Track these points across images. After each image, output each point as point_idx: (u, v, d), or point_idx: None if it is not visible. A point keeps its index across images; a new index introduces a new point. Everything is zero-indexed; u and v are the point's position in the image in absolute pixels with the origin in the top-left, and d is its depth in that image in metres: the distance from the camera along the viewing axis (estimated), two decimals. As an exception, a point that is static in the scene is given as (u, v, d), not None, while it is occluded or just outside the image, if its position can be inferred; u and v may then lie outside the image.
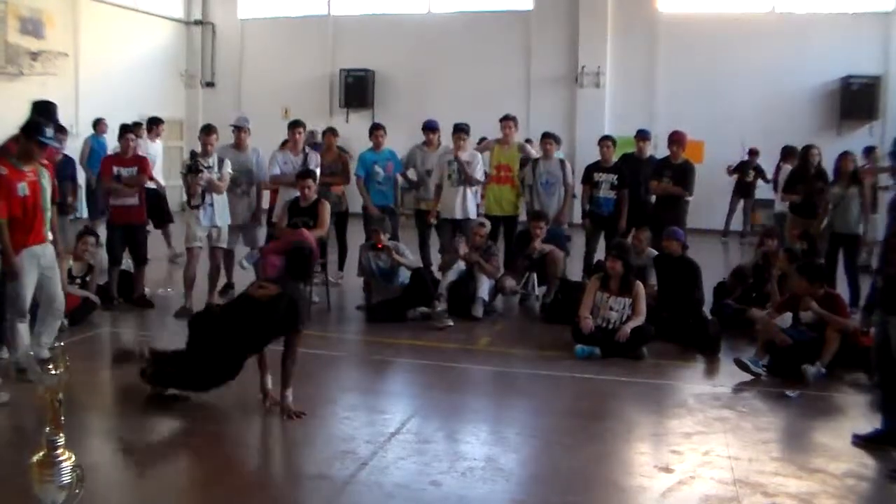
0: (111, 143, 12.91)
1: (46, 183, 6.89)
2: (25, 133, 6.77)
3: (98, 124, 14.57)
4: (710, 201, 15.72)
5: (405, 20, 20.80)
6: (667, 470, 5.34)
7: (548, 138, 11.13)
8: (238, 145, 10.44)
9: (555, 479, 5.30)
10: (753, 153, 16.98)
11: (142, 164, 10.28)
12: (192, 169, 9.52)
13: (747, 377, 7.43)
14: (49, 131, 6.83)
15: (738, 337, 8.61)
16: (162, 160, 13.75)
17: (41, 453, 1.83)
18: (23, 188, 6.64)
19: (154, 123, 13.97)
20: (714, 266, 10.72)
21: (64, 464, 1.82)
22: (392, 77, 20.73)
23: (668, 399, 7.12)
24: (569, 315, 8.58)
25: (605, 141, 11.16)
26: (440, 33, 20.24)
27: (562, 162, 11.18)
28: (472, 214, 10.74)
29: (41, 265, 6.89)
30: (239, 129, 10.48)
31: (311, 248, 7.14)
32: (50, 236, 7.03)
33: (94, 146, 13.86)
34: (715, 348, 8.26)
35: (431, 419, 6.54)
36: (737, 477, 5.23)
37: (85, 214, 14.53)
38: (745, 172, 17.09)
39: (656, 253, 9.51)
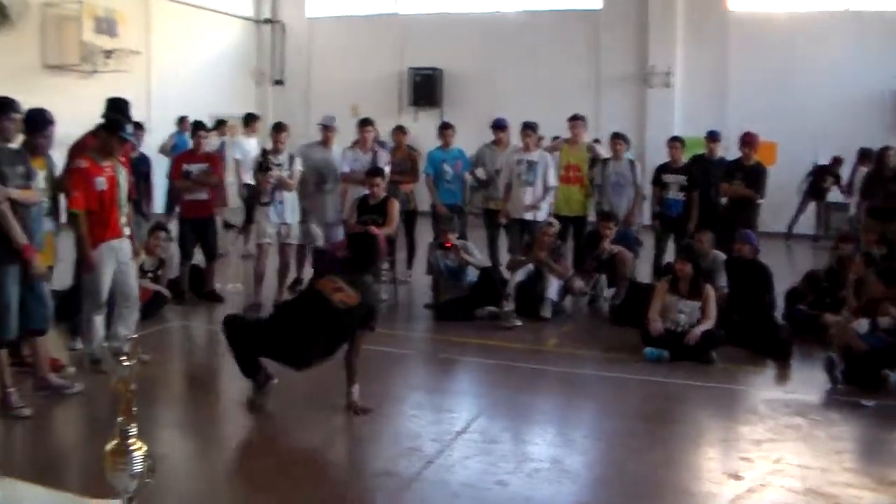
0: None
1: (123, 180, 7.01)
2: (107, 128, 6.92)
3: (182, 122, 14.83)
4: (781, 204, 15.48)
5: (473, 19, 20.78)
6: (736, 477, 5.26)
7: (617, 139, 11.06)
8: (325, 143, 10.54)
9: (621, 483, 5.28)
10: (837, 161, 16.57)
11: (212, 161, 10.44)
12: (262, 167, 9.64)
13: (820, 384, 7.26)
14: (129, 128, 6.96)
15: (810, 343, 8.42)
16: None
17: (114, 442, 1.86)
18: (101, 182, 6.77)
19: (251, 120, 14.15)
20: (783, 270, 10.55)
21: (136, 453, 1.85)
22: (460, 76, 20.72)
23: (737, 404, 7.03)
24: (637, 317, 8.50)
25: (674, 142, 11.06)
26: (509, 32, 20.16)
27: (632, 163, 11.10)
28: (542, 215, 10.68)
29: (118, 260, 7.01)
30: (326, 127, 10.58)
31: (373, 235, 7.12)
32: (127, 231, 7.16)
33: (177, 143, 14.09)
34: (786, 354, 8.11)
35: (498, 419, 6.54)
36: (808, 487, 5.12)
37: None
38: (822, 178, 16.78)
39: (721, 255, 9.39)
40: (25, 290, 6.13)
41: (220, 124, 17.11)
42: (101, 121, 7.69)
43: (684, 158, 11.07)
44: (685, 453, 5.88)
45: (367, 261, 6.74)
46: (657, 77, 18.96)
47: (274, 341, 6.18)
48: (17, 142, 6.32)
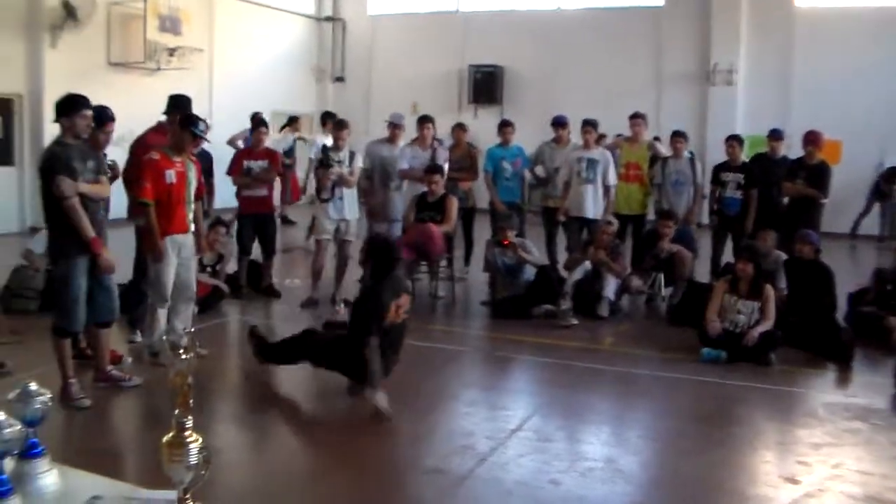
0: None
1: (193, 176, 7.13)
2: (181, 124, 7.04)
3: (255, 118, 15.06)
4: (844, 204, 15.23)
5: (534, 16, 20.73)
6: (793, 481, 5.18)
7: (679, 137, 10.95)
8: (392, 140, 10.60)
9: (675, 484, 5.24)
10: None
11: (272, 158, 10.54)
12: (322, 163, 9.71)
13: (883, 388, 7.13)
14: (202, 125, 7.08)
15: (873, 346, 8.29)
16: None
17: (171, 434, 1.89)
18: (170, 175, 6.89)
19: (328, 118, 14.29)
20: (845, 271, 10.36)
21: (192, 445, 1.88)
22: (521, 73, 20.70)
23: (796, 407, 6.93)
24: (695, 317, 8.42)
25: (731, 140, 10.94)
26: (569, 29, 20.10)
27: (692, 160, 10.98)
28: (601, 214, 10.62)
29: (180, 255, 7.12)
30: (394, 125, 10.62)
31: (391, 241, 7.06)
32: (192, 227, 7.28)
33: (250, 138, 14.27)
34: (848, 357, 7.96)
35: (552, 417, 6.53)
36: (868, 493, 5.01)
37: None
38: (892, 180, 16.50)
39: (783, 255, 9.27)
40: (94, 283, 6.28)
41: (293, 121, 17.28)
42: (162, 118, 7.84)
43: (745, 157, 10.92)
44: (741, 456, 5.81)
45: (389, 267, 6.53)
46: (719, 75, 18.75)
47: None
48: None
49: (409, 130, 11.24)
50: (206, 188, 9.76)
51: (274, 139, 14.62)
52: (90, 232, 6.09)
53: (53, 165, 6.01)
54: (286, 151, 17.23)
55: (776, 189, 10.64)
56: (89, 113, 6.21)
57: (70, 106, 6.13)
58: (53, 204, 6.05)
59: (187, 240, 7.21)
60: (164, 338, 6.95)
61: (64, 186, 5.94)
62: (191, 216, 7.20)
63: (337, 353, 6.48)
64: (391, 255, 6.58)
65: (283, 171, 16.50)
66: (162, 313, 7.15)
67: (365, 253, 6.87)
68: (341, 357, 6.41)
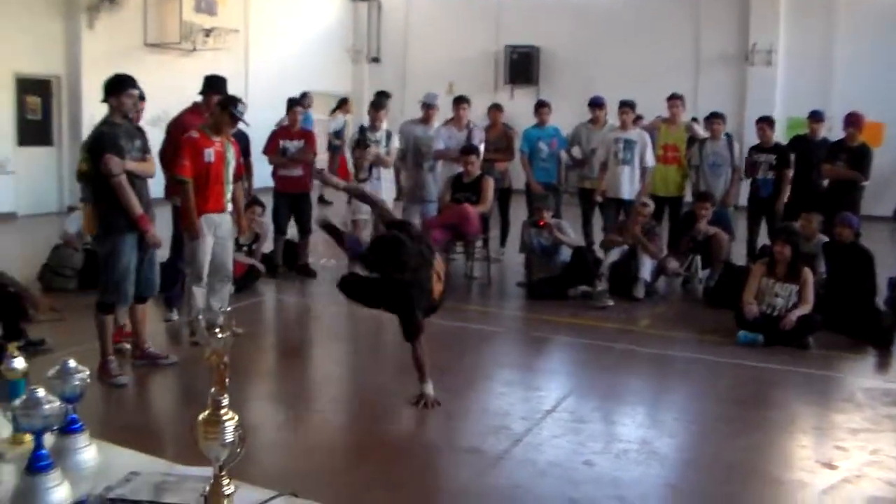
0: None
1: (231, 157, 7.18)
2: (221, 105, 7.11)
3: (304, 98, 15.09)
4: (886, 187, 15.05)
5: (572, -4, 20.60)
6: (830, 466, 5.13)
7: (717, 118, 10.84)
8: (426, 121, 10.60)
9: (711, 467, 5.21)
10: None
11: (308, 138, 10.55)
12: (359, 143, 9.73)
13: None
14: (242, 107, 7.13)
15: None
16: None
17: (207, 412, 1.91)
18: (209, 154, 6.95)
19: (384, 97, 14.30)
20: (886, 255, 10.23)
21: (227, 423, 1.89)
22: (557, 54, 20.58)
23: (834, 392, 6.87)
24: (732, 300, 8.35)
25: (762, 122, 10.87)
26: (606, 9, 19.96)
27: (729, 141, 10.86)
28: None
29: (216, 234, 7.17)
30: (428, 105, 10.62)
31: (396, 240, 6.55)
32: (230, 207, 7.33)
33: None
34: (888, 342, 7.88)
35: (588, 398, 6.52)
36: (907, 479, 4.97)
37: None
38: None
39: (824, 238, 9.16)
40: (140, 257, 6.42)
41: (343, 103, 17.31)
42: (198, 98, 7.88)
43: (784, 139, 10.82)
44: (777, 440, 5.77)
45: (388, 264, 5.99)
46: (759, 55, 18.53)
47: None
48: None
49: (445, 111, 11.21)
50: (245, 168, 9.80)
51: (326, 121, 14.64)
52: (138, 209, 6.23)
53: (102, 144, 6.17)
54: (336, 132, 17.29)
55: (816, 171, 10.52)
56: (136, 92, 6.39)
57: (117, 85, 6.30)
58: (102, 182, 6.20)
59: (224, 219, 7.26)
60: (200, 316, 7.01)
61: (112, 164, 6.10)
62: (229, 196, 7.25)
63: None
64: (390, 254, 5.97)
65: (332, 151, 16.51)
66: (198, 291, 7.20)
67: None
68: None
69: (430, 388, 6.01)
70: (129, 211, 6.20)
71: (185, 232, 7.14)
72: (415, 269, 5.92)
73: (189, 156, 6.88)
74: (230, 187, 7.24)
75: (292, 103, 10.67)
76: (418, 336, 5.96)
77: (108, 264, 6.29)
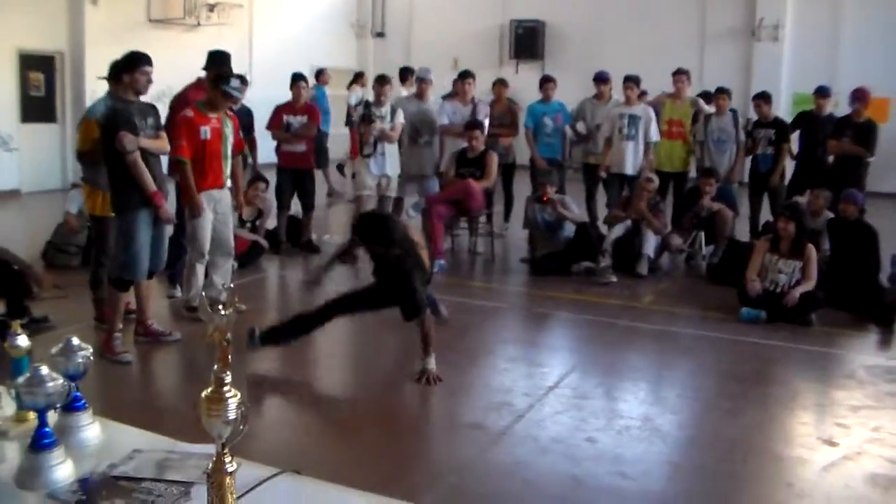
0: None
1: (229, 132, 7.18)
2: (213, 83, 7.09)
3: (321, 74, 15.04)
4: (891, 164, 14.97)
5: (578, -30, 20.46)
6: (830, 443, 5.15)
7: (722, 94, 10.81)
8: (420, 96, 10.58)
9: (712, 444, 5.22)
10: None
11: (311, 113, 10.53)
12: (364, 118, 9.72)
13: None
14: (235, 82, 7.12)
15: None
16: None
17: (210, 389, 1.92)
18: (205, 132, 6.95)
19: (408, 72, 14.24)
20: (890, 231, 10.21)
21: (231, 401, 1.90)
22: (563, 28, 20.48)
23: (836, 369, 6.88)
24: (735, 276, 8.35)
25: (757, 99, 10.89)
26: (612, -17, 19.84)
27: (734, 116, 10.83)
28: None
29: (216, 210, 7.19)
30: (421, 80, 10.61)
31: (382, 217, 6.57)
32: (229, 183, 7.34)
33: (316, 95, 14.26)
34: (890, 319, 7.88)
35: (590, 375, 6.53)
36: (907, 456, 4.98)
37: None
38: None
39: (830, 215, 9.15)
40: (153, 234, 6.46)
41: (359, 77, 17.27)
42: (202, 74, 7.87)
43: (789, 115, 10.79)
44: (778, 417, 5.79)
45: (378, 240, 6.18)
46: (765, 30, 18.41)
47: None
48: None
49: (446, 85, 11.16)
50: (249, 144, 9.80)
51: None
52: (152, 185, 6.27)
53: (117, 121, 6.19)
54: (356, 106, 17.30)
55: (822, 148, 10.50)
56: (150, 69, 6.43)
57: (132, 62, 6.36)
58: (116, 159, 6.22)
59: (224, 195, 7.28)
60: (203, 293, 7.03)
61: (126, 141, 6.12)
62: (227, 171, 7.26)
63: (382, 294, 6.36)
64: (386, 231, 6.16)
65: (351, 126, 16.50)
66: (200, 268, 7.25)
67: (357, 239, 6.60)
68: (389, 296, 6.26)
69: (432, 364, 6.03)
70: (143, 188, 6.23)
71: (186, 210, 7.15)
72: (401, 240, 6.12)
73: (185, 135, 6.88)
74: (229, 162, 7.25)
75: (296, 78, 10.63)
76: (422, 312, 5.99)
77: (124, 241, 6.33)
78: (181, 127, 6.93)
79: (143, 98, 6.53)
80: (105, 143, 6.27)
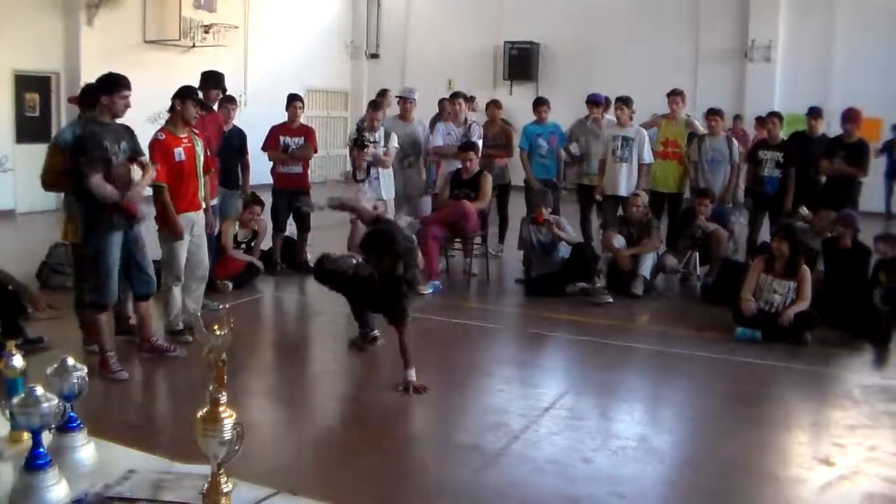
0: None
1: (200, 150, 7.16)
2: (181, 98, 7.03)
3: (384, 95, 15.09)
4: (880, 183, 15.08)
5: (571, -8, 20.56)
6: (827, 463, 5.14)
7: (715, 115, 10.84)
8: (404, 116, 10.58)
9: (708, 464, 5.21)
10: None
11: (308, 134, 10.53)
12: (357, 143, 9.71)
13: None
14: (194, 93, 7.13)
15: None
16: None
17: (205, 409, 1.92)
18: (179, 153, 6.93)
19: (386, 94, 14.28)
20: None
21: (226, 421, 1.90)
22: (557, 50, 20.56)
23: (831, 388, 6.88)
24: (730, 296, 8.35)
25: (771, 118, 10.83)
26: (605, 6, 19.88)
27: (728, 139, 10.87)
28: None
29: (192, 232, 7.19)
30: (405, 100, 10.60)
31: (384, 236, 6.72)
32: (203, 204, 7.32)
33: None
34: (885, 338, 7.88)
35: (586, 395, 6.52)
36: (903, 475, 4.97)
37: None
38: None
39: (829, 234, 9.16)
40: (128, 257, 6.38)
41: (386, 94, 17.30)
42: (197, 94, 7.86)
43: (782, 135, 10.81)
44: (775, 436, 5.78)
45: (385, 256, 6.47)
46: (758, 51, 18.54)
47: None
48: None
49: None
50: (241, 165, 9.78)
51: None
52: (115, 195, 6.11)
53: (85, 147, 6.06)
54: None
55: (814, 168, 10.52)
56: (129, 94, 6.27)
57: (112, 84, 6.21)
58: (81, 183, 6.10)
59: (199, 217, 7.27)
60: (199, 314, 7.00)
61: (86, 169, 5.99)
62: (202, 193, 7.25)
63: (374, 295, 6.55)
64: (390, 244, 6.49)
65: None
66: (177, 291, 7.25)
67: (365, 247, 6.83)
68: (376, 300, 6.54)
69: (413, 375, 6.14)
70: (108, 202, 6.09)
71: (166, 234, 7.06)
72: (405, 254, 6.40)
73: (160, 159, 6.81)
74: (202, 182, 7.23)
75: (292, 99, 10.63)
76: (405, 321, 6.21)
77: (95, 264, 6.25)
78: (155, 151, 6.86)
79: (119, 120, 6.35)
80: (74, 168, 6.11)
